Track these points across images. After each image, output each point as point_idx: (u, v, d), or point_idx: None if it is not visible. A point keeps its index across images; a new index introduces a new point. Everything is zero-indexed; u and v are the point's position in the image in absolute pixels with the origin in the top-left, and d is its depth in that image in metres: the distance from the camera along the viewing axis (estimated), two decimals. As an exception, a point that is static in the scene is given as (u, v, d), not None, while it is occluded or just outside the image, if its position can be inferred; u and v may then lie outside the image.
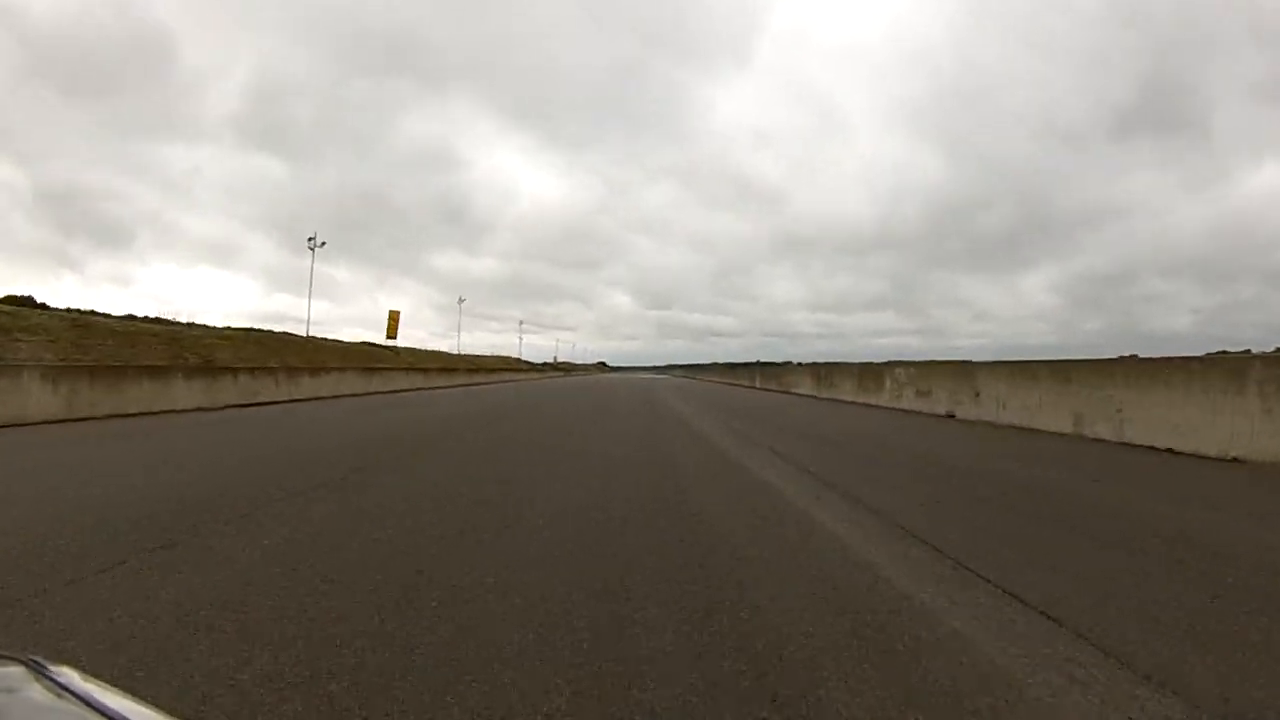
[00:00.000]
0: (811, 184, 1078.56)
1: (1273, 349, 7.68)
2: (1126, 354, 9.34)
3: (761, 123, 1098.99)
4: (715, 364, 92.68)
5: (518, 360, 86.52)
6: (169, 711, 0.58)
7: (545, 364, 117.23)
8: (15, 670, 0.61)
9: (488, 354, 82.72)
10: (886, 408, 14.65)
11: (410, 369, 27.77)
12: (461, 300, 77.55)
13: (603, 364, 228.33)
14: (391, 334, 50.46)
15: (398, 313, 51.61)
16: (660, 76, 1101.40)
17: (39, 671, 0.61)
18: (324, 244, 44.69)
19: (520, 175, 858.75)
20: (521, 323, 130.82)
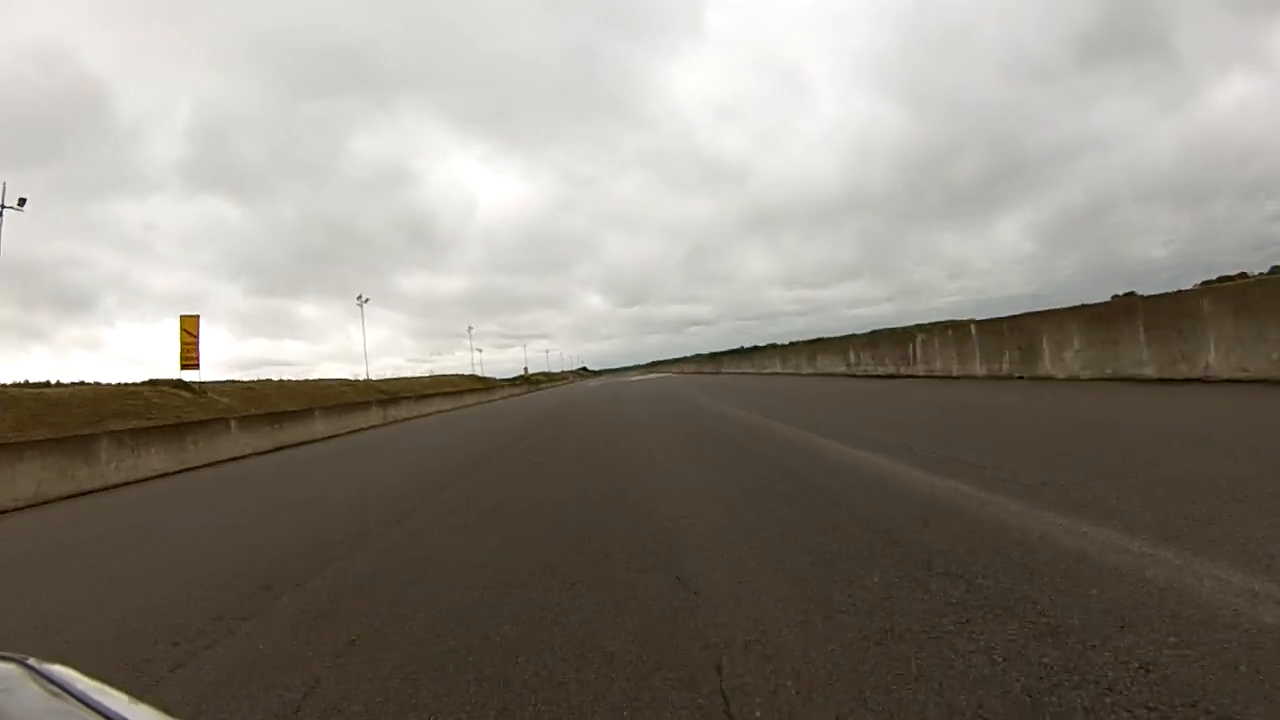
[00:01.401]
0: (777, 153, 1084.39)
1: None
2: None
3: (721, 95, 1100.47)
4: (697, 355, 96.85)
5: (473, 380, 78.35)
6: (168, 710, 0.60)
7: (519, 377, 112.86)
8: (12, 670, 0.62)
9: (431, 375, 76.75)
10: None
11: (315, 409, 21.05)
12: (363, 300, 66.77)
13: (584, 369, 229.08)
14: (188, 359, 30.10)
15: (195, 319, 30.86)
16: (615, 59, 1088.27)
17: (35, 671, 0.62)
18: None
19: (481, 183, 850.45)
20: (471, 329, 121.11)
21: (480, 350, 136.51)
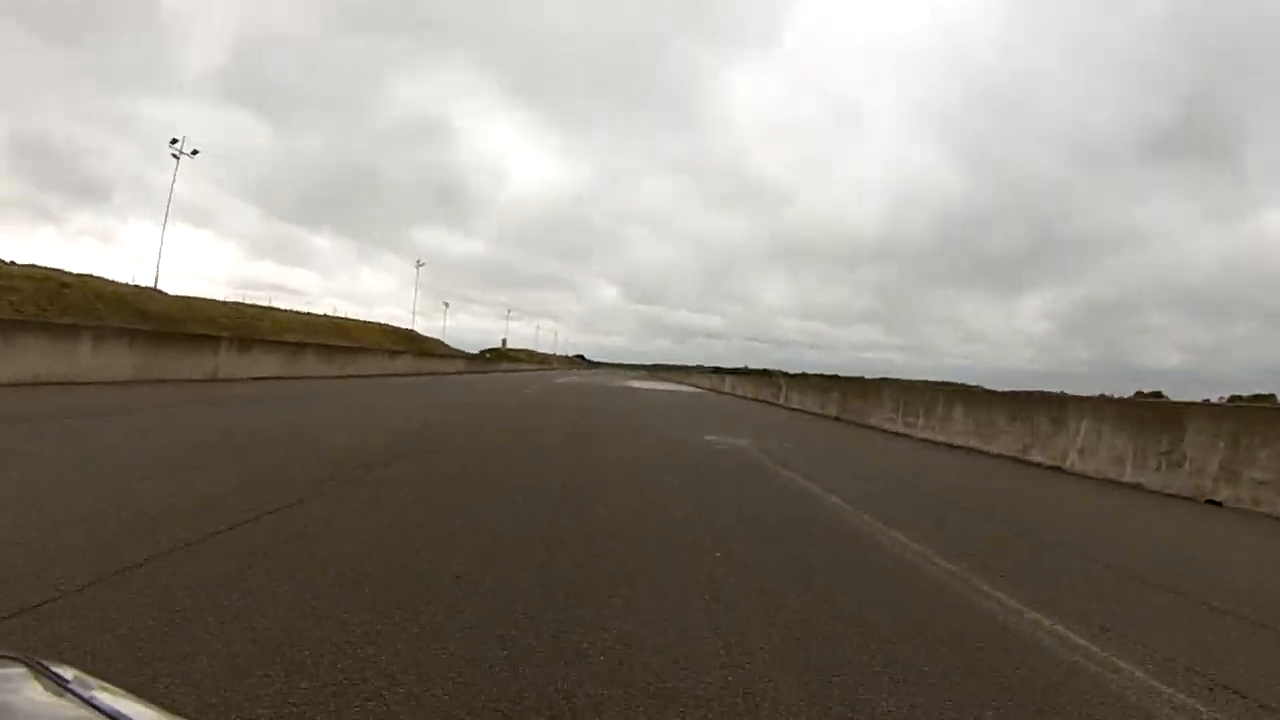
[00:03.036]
0: (820, 187, 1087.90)
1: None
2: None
3: (777, 116, 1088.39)
4: (700, 367, 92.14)
5: (407, 340, 62.72)
6: (169, 710, 0.61)
7: (488, 350, 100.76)
8: (16, 670, 0.62)
9: (344, 318, 61.41)
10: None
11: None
12: (420, 264, 68.53)
13: (581, 357, 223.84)
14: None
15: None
16: (682, 55, 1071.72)
17: (39, 671, 0.62)
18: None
19: (516, 154, 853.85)
20: (446, 305, 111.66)
21: (447, 304, 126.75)
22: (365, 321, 64.69)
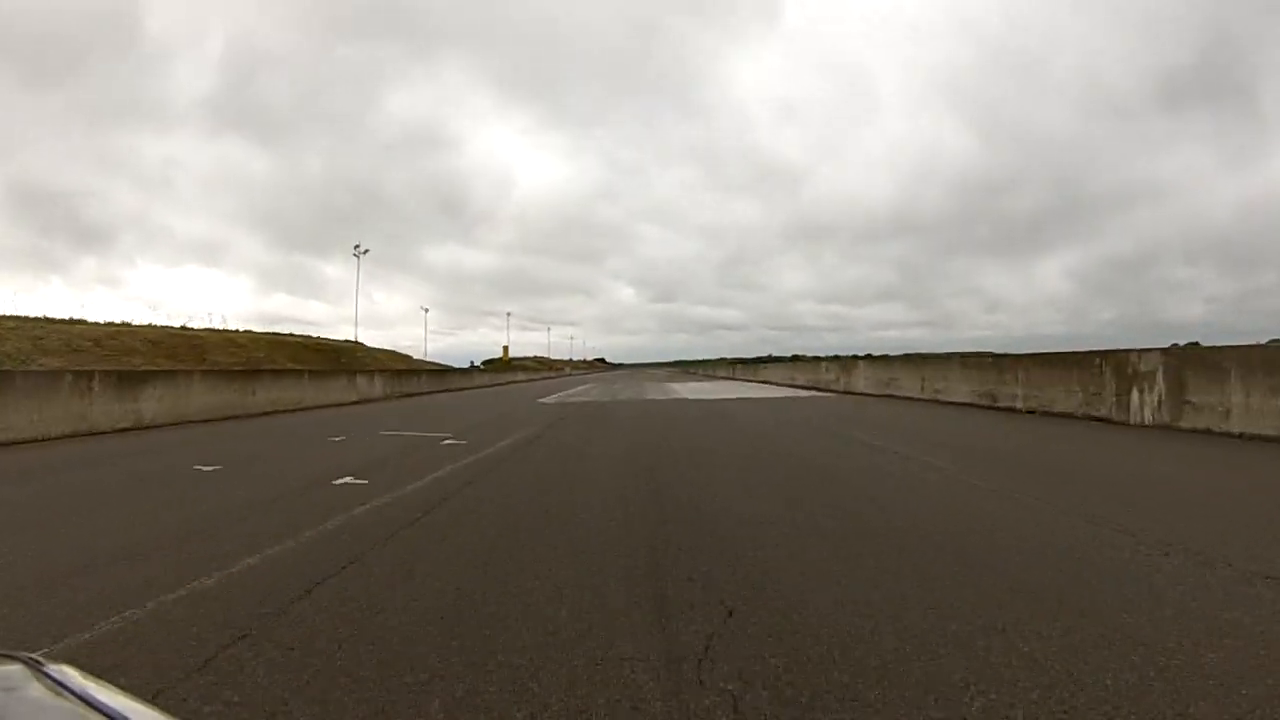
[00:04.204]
0: (833, 165, 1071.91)
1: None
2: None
3: (785, 94, 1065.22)
4: (722, 359, 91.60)
5: (409, 360, 56.58)
6: (167, 710, 0.59)
7: (490, 360, 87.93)
8: (14, 669, 0.64)
9: (288, 336, 52.65)
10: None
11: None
12: (361, 251, 55.86)
13: (601, 360, 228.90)
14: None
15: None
16: (681, 38, 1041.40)
17: (38, 670, 0.64)
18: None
19: (520, 158, 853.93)
20: (426, 310, 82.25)
21: (426, 309, 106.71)
22: (277, 334, 52.31)
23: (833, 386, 22.88)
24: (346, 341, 57.19)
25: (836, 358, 35.90)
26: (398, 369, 37.47)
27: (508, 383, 46.94)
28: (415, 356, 65.47)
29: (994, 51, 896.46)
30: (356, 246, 57.27)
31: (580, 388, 31.38)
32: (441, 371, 43.80)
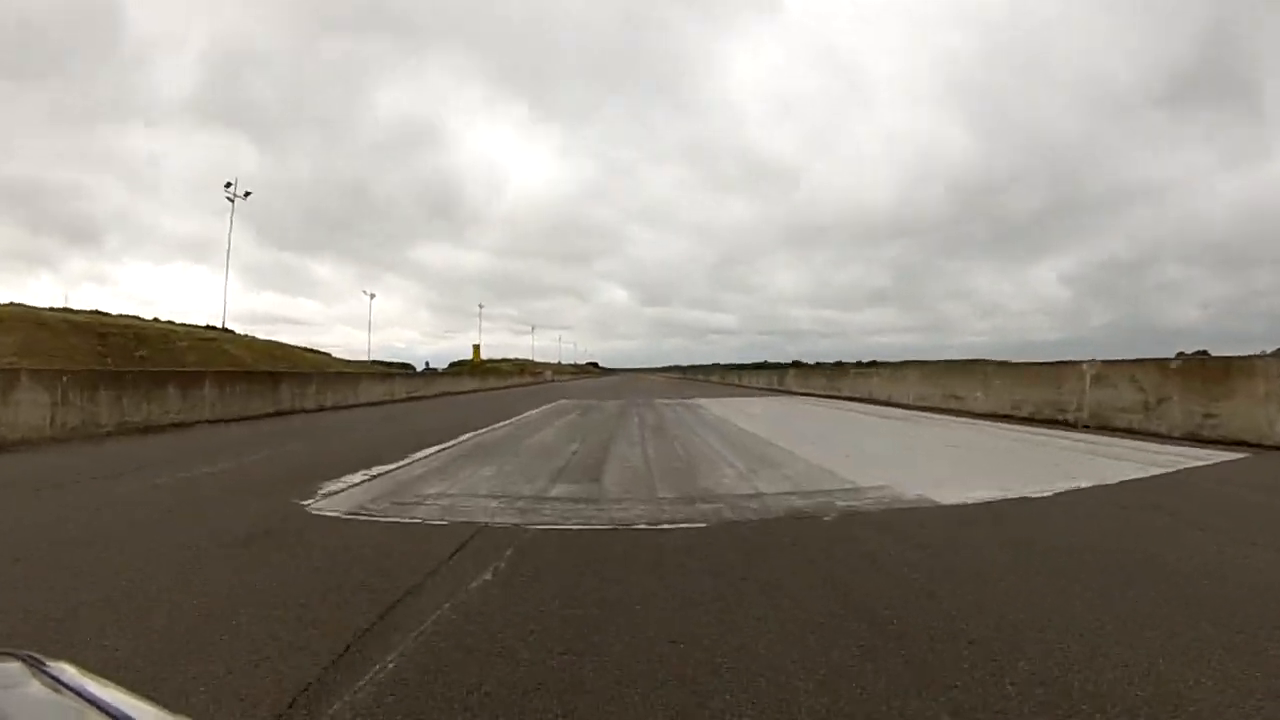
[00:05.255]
0: (829, 163, 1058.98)
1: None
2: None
3: (781, 90, 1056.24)
4: (715, 365, 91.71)
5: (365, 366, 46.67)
6: (166, 707, 0.62)
7: (457, 363, 71.06)
8: (13, 666, 0.64)
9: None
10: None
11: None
12: (236, 194, 42.55)
13: (594, 365, 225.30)
14: None
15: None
16: (675, 27, 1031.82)
17: (36, 667, 0.64)
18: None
19: (512, 156, 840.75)
20: (372, 296, 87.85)
21: (371, 295, 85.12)
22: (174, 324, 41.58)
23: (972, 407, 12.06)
24: (209, 328, 43.66)
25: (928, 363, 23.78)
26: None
27: (408, 398, 22.19)
28: (388, 360, 62.81)
29: (995, 47, 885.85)
30: (229, 186, 42.77)
31: (547, 407, 15.09)
32: (456, 373, 35.56)
